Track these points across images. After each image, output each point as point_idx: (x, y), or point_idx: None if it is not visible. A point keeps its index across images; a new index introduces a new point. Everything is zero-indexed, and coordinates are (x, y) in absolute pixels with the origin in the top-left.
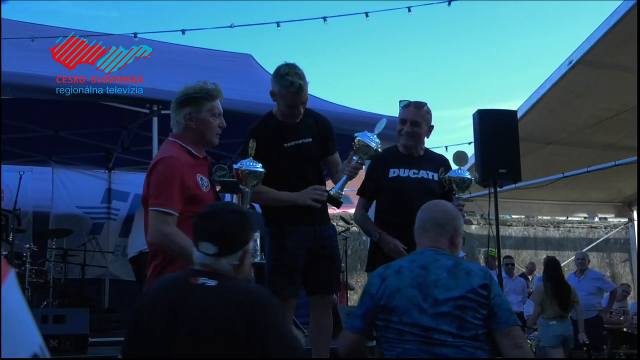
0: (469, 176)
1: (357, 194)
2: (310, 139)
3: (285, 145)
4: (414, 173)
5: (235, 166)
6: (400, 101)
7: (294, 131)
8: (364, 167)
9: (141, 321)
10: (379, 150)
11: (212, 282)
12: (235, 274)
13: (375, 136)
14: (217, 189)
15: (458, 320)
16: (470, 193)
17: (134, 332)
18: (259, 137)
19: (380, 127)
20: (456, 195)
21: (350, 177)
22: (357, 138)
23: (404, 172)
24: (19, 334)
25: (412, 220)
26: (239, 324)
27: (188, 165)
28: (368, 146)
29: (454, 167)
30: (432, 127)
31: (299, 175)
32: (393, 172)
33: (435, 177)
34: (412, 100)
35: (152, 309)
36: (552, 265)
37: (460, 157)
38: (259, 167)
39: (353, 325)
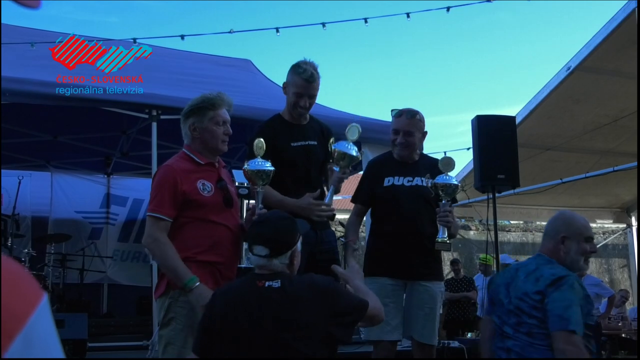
0: (455, 182)
1: (352, 201)
2: (316, 142)
3: (292, 144)
4: (408, 181)
5: (243, 167)
6: (392, 110)
7: (302, 132)
8: (349, 174)
9: (213, 326)
10: (360, 156)
11: (276, 284)
12: (289, 272)
13: (351, 144)
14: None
15: (517, 317)
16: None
17: (207, 336)
18: (267, 134)
19: (353, 134)
20: (442, 202)
21: (337, 188)
22: (334, 148)
23: (398, 181)
24: None
25: (406, 229)
26: (313, 316)
27: (186, 171)
28: (346, 155)
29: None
30: (426, 133)
31: (306, 176)
32: (388, 181)
33: (430, 184)
34: (403, 108)
35: (225, 314)
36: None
37: (446, 163)
38: (267, 165)
39: (486, 310)
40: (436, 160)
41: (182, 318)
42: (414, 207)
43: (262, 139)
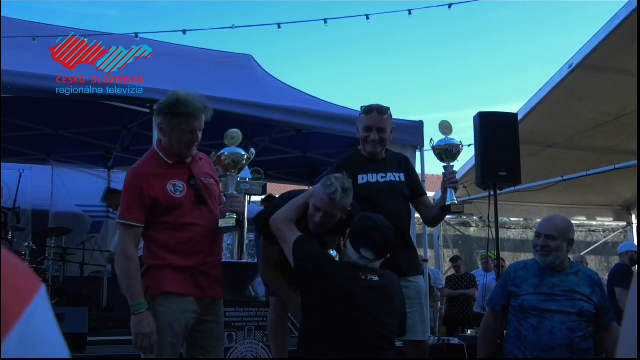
0: (457, 142)
1: None
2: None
3: (372, 179)
4: (381, 177)
5: (219, 152)
6: (361, 107)
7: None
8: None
9: (323, 302)
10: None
11: (376, 278)
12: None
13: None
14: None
15: None
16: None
17: (314, 304)
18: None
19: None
20: (445, 165)
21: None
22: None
23: (372, 178)
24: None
25: None
26: (399, 307)
27: (154, 174)
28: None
29: (440, 137)
30: (394, 129)
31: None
32: (362, 179)
33: (402, 178)
34: (373, 104)
35: (331, 291)
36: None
37: (445, 126)
38: (242, 152)
39: None
40: (400, 154)
41: (159, 317)
42: (392, 203)
43: (236, 130)
